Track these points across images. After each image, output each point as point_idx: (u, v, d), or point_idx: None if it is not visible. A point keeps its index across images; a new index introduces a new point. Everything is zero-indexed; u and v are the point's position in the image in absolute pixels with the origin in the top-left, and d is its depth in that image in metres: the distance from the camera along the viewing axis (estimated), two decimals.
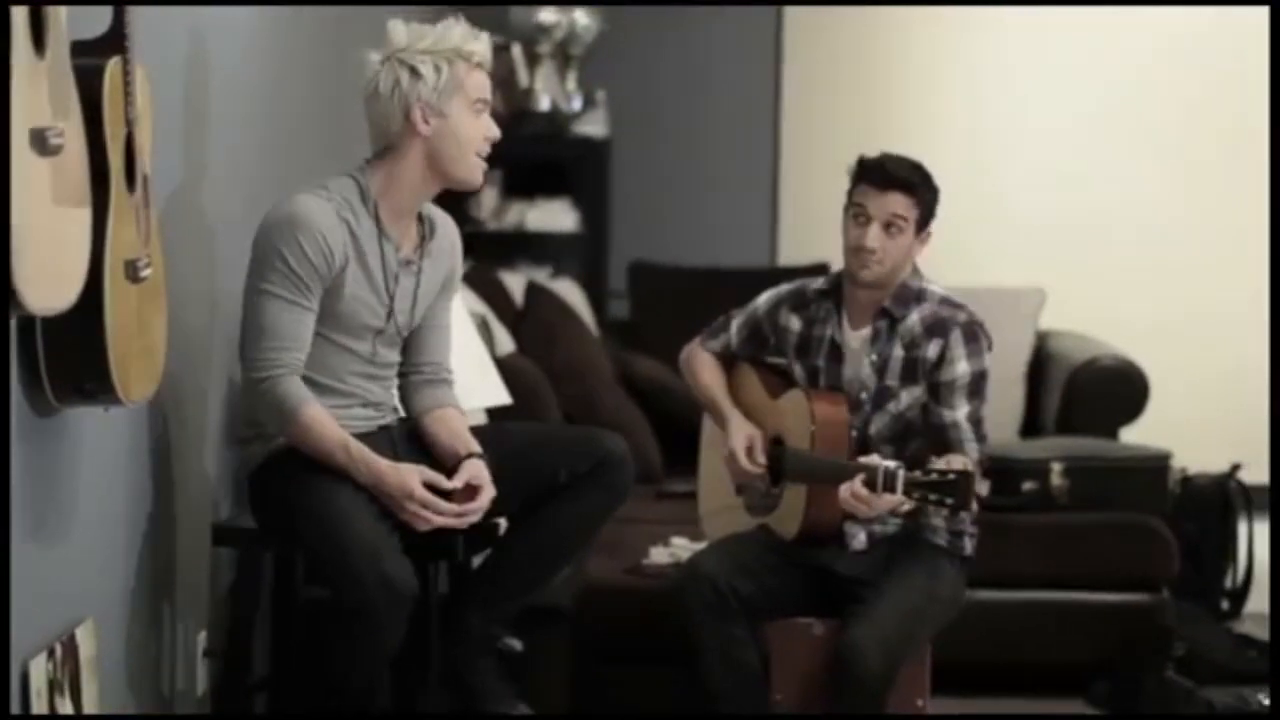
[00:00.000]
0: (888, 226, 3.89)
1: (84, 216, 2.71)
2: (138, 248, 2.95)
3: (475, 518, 3.51)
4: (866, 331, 3.97)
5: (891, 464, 3.68)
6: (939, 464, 3.70)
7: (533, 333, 5.80)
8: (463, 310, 4.57)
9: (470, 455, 3.57)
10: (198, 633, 3.76)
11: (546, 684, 4.46)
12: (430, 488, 3.45)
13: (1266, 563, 5.47)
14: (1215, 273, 7.51)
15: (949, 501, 3.63)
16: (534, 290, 6.12)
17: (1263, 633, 5.24)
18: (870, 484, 3.68)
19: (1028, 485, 5.05)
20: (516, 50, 7.16)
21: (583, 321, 6.22)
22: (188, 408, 3.69)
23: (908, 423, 3.95)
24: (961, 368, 3.91)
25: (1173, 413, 6.38)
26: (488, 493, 3.52)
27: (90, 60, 2.79)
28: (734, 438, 4.08)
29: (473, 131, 3.53)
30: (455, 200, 3.78)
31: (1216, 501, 5.61)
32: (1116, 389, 5.77)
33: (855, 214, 3.92)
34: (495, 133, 3.57)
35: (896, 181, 3.89)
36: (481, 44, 3.54)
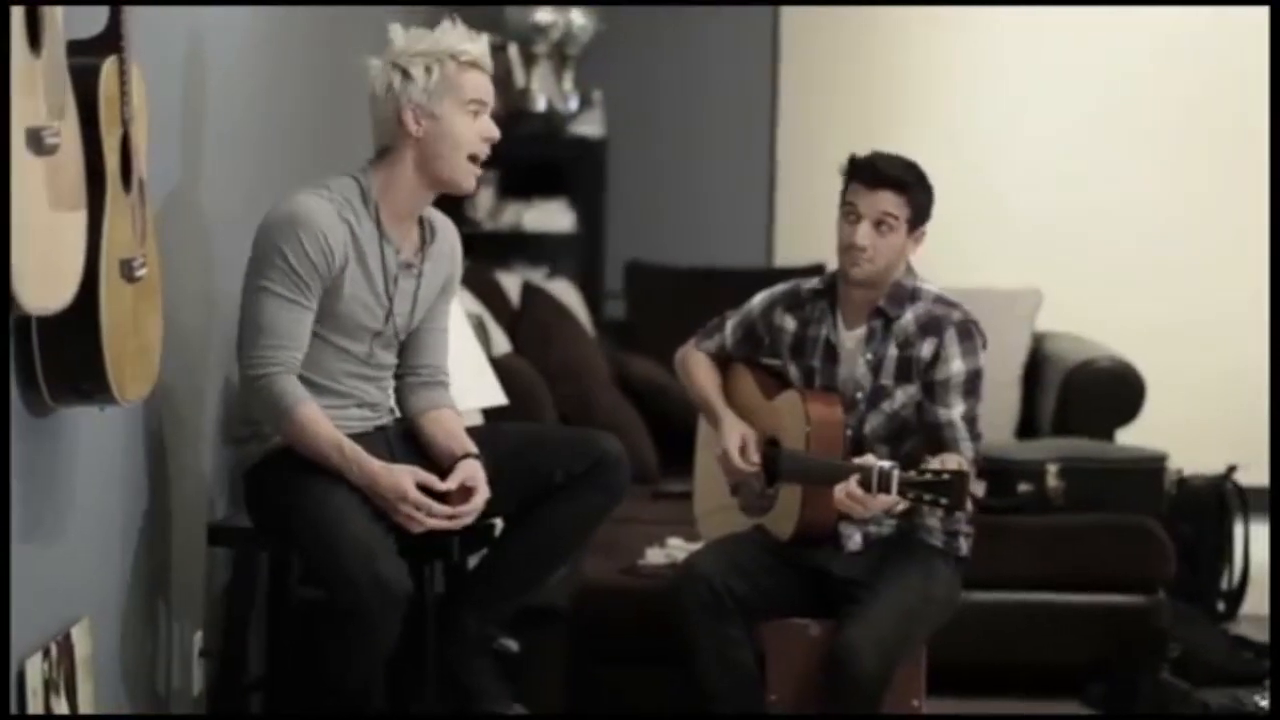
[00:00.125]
0: (878, 225, 3.89)
1: (79, 216, 2.71)
2: (133, 247, 2.95)
3: (469, 519, 3.51)
4: (861, 331, 3.97)
5: (886, 464, 3.68)
6: (934, 464, 3.69)
7: (529, 333, 5.80)
8: (459, 311, 4.56)
9: (466, 456, 3.57)
10: (193, 632, 3.76)
11: (542, 684, 4.47)
12: (425, 489, 3.45)
13: (1264, 564, 5.46)
14: (1211, 274, 7.50)
15: (944, 501, 3.63)
16: (530, 290, 6.12)
17: (1258, 634, 5.24)
18: (865, 484, 3.67)
19: (1023, 486, 5.05)
20: (513, 50, 7.15)
21: (579, 322, 6.21)
22: (183, 407, 3.69)
23: (903, 422, 3.95)
24: (956, 366, 3.91)
25: (1169, 414, 6.37)
26: (482, 494, 3.52)
27: (86, 60, 2.79)
28: (727, 437, 4.07)
29: (466, 132, 3.51)
30: (452, 201, 3.77)
31: (1212, 503, 5.60)
32: (1112, 390, 5.77)
33: (846, 212, 3.91)
34: (494, 133, 3.56)
35: (887, 180, 3.88)
36: (475, 45, 3.53)
